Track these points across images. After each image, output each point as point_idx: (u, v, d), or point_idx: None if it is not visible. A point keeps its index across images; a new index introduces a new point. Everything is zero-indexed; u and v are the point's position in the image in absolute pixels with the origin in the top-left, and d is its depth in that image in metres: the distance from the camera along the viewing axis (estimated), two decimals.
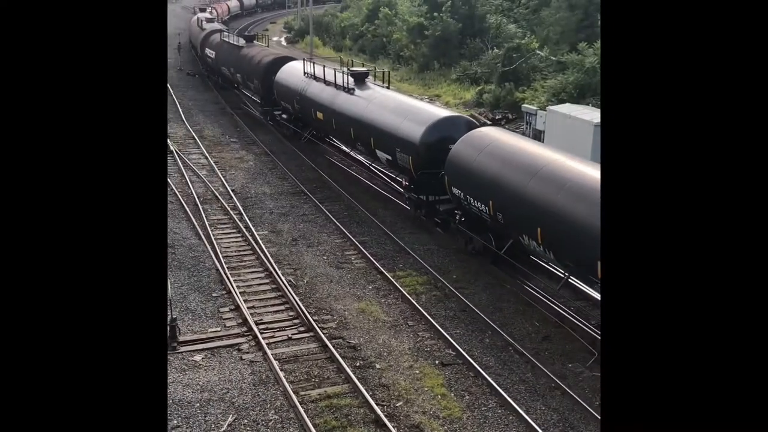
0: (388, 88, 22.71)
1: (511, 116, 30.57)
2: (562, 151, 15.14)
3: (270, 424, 10.96)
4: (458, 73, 38.67)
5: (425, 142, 17.68)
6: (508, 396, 11.54)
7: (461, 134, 16.96)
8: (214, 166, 24.86)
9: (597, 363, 12.59)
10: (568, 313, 14.08)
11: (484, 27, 42.47)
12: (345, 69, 23.67)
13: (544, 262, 15.92)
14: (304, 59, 27.88)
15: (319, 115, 23.81)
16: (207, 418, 11.03)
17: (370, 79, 23.12)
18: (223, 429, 10.81)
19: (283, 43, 59.36)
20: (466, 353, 12.83)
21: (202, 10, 56.04)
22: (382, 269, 16.45)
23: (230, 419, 11.03)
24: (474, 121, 19.41)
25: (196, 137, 28.79)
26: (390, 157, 19.30)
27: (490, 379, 12.00)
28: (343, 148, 25.31)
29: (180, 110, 33.42)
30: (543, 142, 22.42)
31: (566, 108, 24.25)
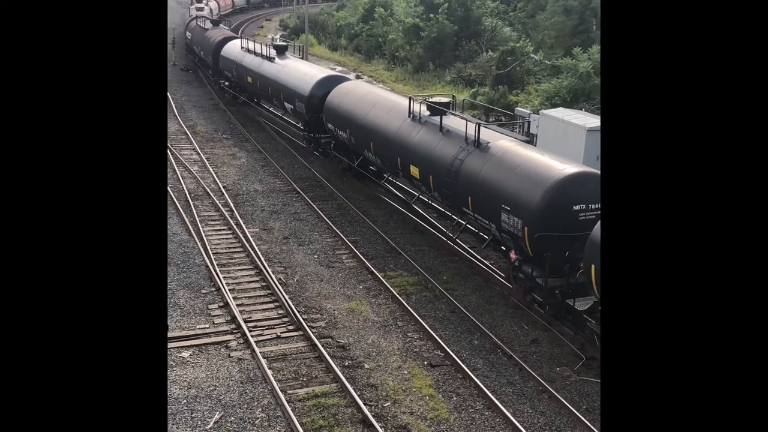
0: (302, 59, 29.54)
1: (504, 119, 30.59)
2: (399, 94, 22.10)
3: (257, 422, 10.92)
4: (453, 74, 38.68)
5: (313, 94, 24.27)
6: (496, 398, 11.56)
7: None
8: (206, 162, 24.79)
9: (585, 367, 12.63)
10: (557, 317, 14.11)
11: (479, 29, 42.54)
12: (270, 42, 31.55)
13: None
14: (241, 37, 34.00)
15: (249, 79, 30.56)
16: (194, 415, 10.99)
17: (289, 52, 30.09)
18: (209, 426, 10.77)
19: (278, 40, 59.18)
20: (455, 354, 12.83)
21: (199, 0, 56.77)
22: (372, 269, 16.44)
23: (217, 416, 11.00)
24: (349, 78, 25.73)
25: (188, 133, 28.71)
26: (292, 107, 26.24)
27: (478, 381, 12.01)
28: (265, 105, 33.37)
29: (173, 105, 33.32)
30: (535, 145, 22.51)
31: (559, 112, 24.27)
